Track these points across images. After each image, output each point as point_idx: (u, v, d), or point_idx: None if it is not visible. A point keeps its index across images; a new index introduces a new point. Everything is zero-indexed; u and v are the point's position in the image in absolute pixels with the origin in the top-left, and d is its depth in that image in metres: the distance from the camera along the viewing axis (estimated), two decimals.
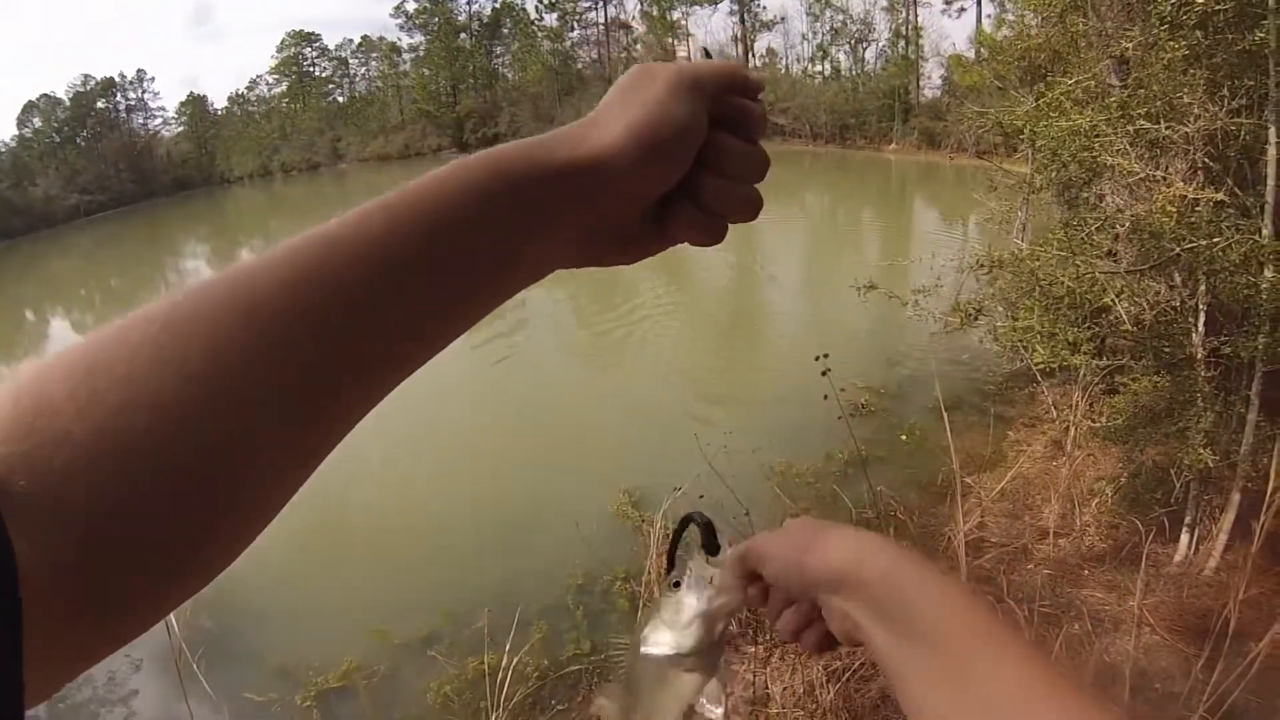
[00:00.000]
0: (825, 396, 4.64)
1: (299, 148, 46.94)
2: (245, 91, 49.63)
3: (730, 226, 0.44)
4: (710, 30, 38.89)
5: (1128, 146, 4.87)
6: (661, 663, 0.56)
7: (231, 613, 5.52)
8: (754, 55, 38.18)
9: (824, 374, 4.51)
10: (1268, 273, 4.43)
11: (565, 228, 0.40)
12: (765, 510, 5.36)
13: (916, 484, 6.45)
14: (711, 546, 0.58)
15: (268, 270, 0.32)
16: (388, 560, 6.41)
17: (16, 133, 43.89)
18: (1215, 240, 4.49)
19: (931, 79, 32.10)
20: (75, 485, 0.26)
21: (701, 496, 4.38)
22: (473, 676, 4.65)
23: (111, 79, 46.42)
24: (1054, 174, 6.08)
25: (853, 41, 35.79)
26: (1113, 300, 5.33)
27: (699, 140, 0.41)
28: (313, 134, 46.91)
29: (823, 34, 36.70)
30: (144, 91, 47.47)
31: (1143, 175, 4.90)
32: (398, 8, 45.61)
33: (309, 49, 48.36)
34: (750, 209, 0.43)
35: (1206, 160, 4.84)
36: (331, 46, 48.52)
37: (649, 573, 4.64)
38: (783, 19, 38.69)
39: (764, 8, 39.42)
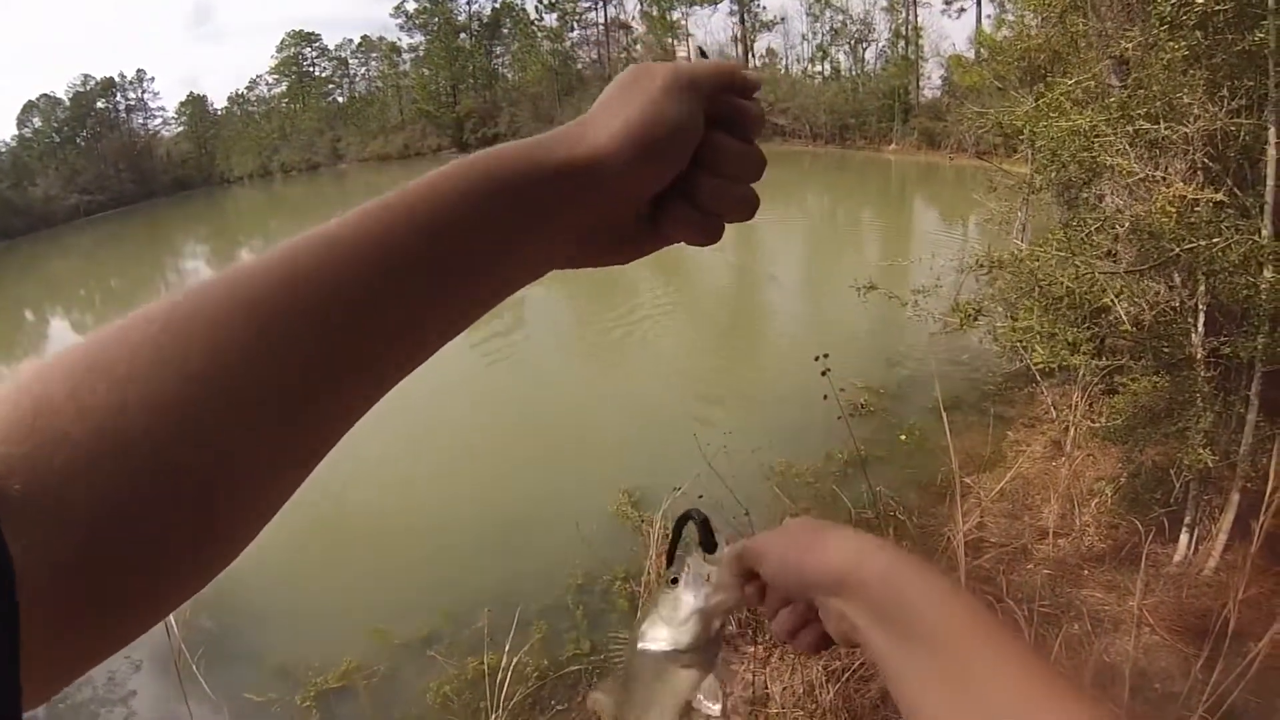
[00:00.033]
0: (825, 396, 4.65)
1: (299, 148, 46.93)
2: (245, 91, 49.80)
3: (729, 226, 0.44)
4: (710, 30, 38.97)
5: (1127, 147, 4.87)
6: (659, 658, 0.56)
7: (231, 613, 5.51)
8: (754, 55, 38.24)
9: (824, 374, 4.51)
10: (1267, 273, 4.43)
11: (565, 227, 0.40)
12: (765, 510, 5.36)
13: (916, 484, 6.45)
14: (708, 544, 0.58)
15: (267, 270, 0.32)
16: (387, 560, 6.41)
17: (16, 133, 44.08)
18: (1215, 240, 4.49)
19: (931, 79, 32.21)
20: (75, 486, 0.26)
21: (701, 496, 4.39)
22: (472, 676, 4.65)
23: (111, 79, 46.50)
24: (1054, 174, 6.08)
25: (852, 42, 35.83)
26: (1112, 300, 5.33)
27: (695, 140, 0.41)
28: (312, 134, 46.92)
29: (822, 34, 36.79)
30: (144, 91, 47.58)
31: (1142, 175, 4.90)
32: (398, 8, 45.72)
33: (309, 49, 48.43)
34: (746, 209, 0.43)
35: (1206, 160, 4.84)
36: (331, 46, 48.72)
37: (649, 572, 4.63)
38: (782, 19, 38.80)
39: (764, 8, 39.53)
